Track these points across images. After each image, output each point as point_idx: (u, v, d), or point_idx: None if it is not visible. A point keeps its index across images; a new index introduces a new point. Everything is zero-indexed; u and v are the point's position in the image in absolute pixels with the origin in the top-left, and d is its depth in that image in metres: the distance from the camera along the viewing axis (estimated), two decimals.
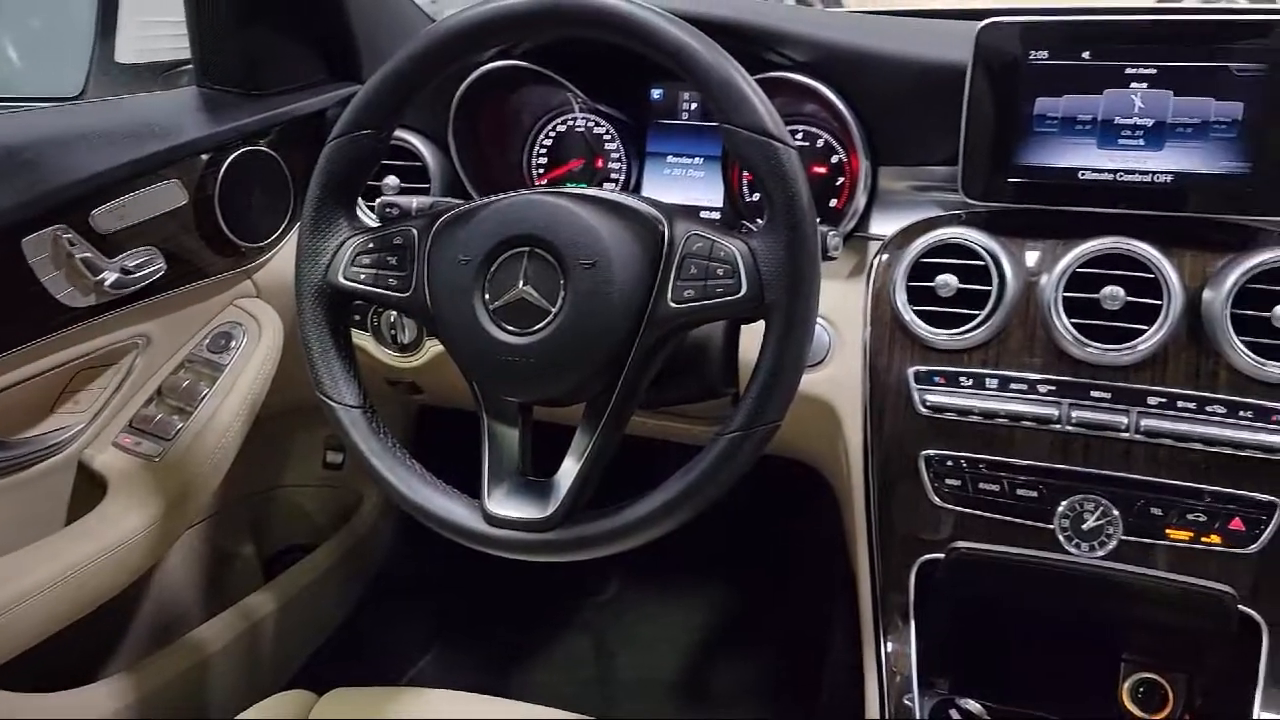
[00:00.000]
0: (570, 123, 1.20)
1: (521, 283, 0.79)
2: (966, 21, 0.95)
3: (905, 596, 0.98)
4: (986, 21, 0.91)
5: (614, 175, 1.18)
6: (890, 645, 0.98)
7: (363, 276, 0.85)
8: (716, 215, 1.14)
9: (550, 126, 1.21)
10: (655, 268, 0.78)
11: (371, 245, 0.85)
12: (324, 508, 1.67)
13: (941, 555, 0.96)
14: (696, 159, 1.15)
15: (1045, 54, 0.91)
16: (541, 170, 1.22)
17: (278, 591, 1.48)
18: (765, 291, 0.75)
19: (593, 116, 1.18)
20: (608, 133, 1.18)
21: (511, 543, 0.80)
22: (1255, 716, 0.87)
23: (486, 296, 0.80)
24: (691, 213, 0.92)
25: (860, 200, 1.02)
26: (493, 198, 0.83)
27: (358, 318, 1.24)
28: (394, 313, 1.21)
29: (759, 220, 0.75)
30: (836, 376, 1.02)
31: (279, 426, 1.48)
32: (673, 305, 0.77)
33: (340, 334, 0.87)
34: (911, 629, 0.98)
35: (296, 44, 1.27)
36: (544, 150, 1.21)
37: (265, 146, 1.21)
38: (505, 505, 0.81)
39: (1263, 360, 0.87)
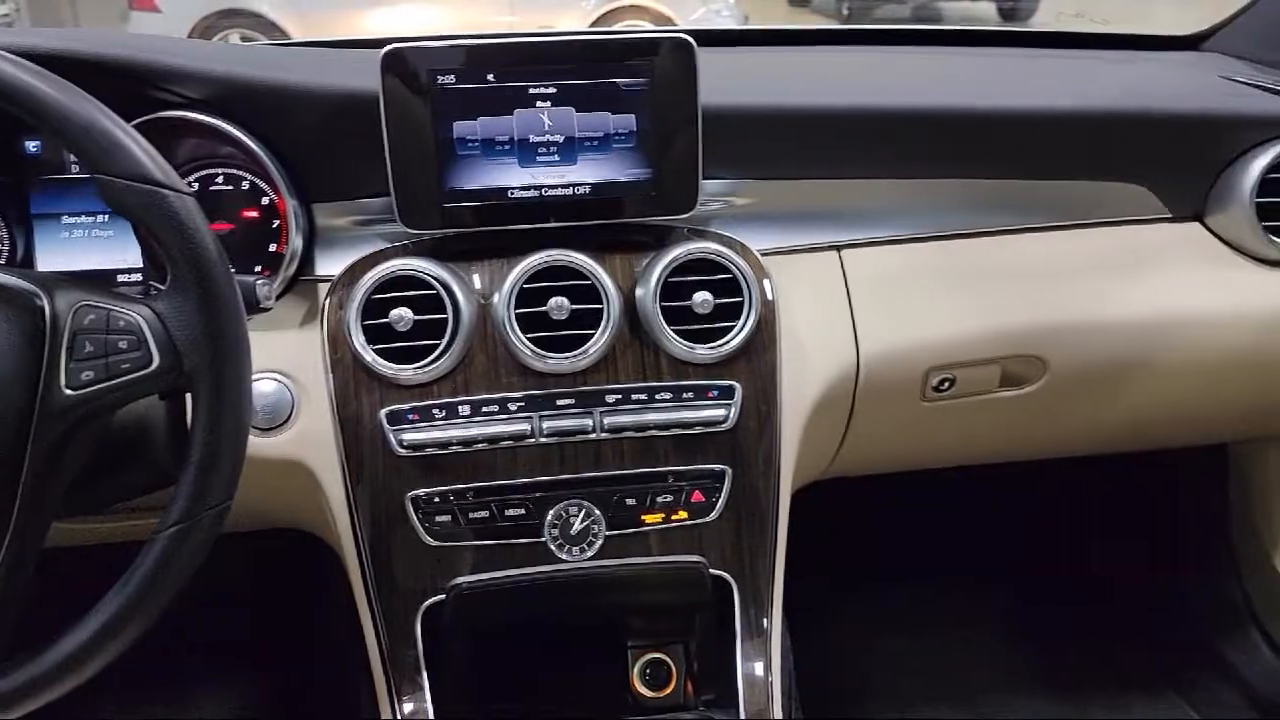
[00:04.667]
0: None
1: None
2: (377, 50, 0.93)
3: (414, 649, 0.94)
4: (388, 48, 0.90)
5: None
6: (407, 706, 0.94)
7: None
8: (139, 278, 0.99)
9: None
10: (39, 352, 0.65)
11: None
12: None
13: (444, 596, 0.94)
14: (100, 216, 0.99)
15: (452, 78, 0.91)
16: None
17: None
18: (183, 360, 0.66)
19: None
20: None
21: None
22: (737, 666, 0.96)
23: None
24: (92, 280, 0.79)
25: (297, 242, 0.95)
26: None
27: None
28: None
29: None
30: (306, 433, 0.94)
31: None
32: (69, 393, 0.65)
33: None
34: (425, 682, 0.94)
35: None
36: None
37: None
38: None
39: (692, 344, 0.95)
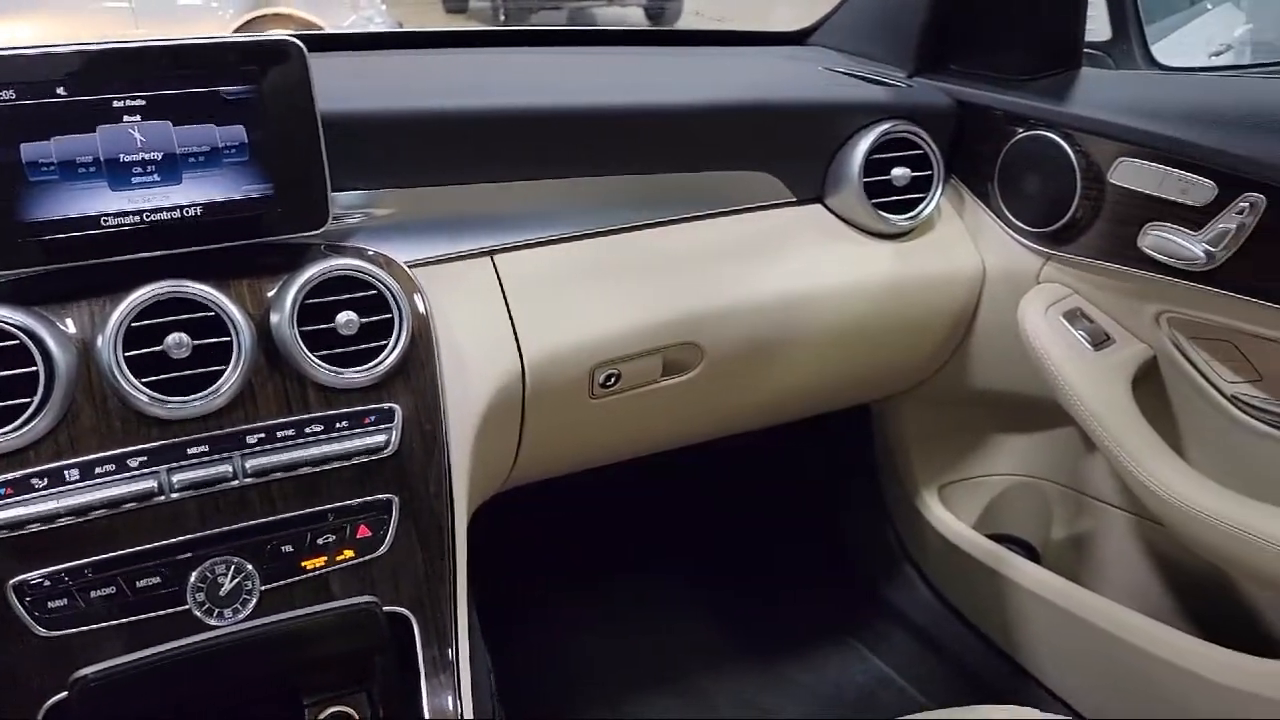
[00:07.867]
0: None
1: None
2: None
3: None
4: None
5: None
6: None
7: None
8: None
9: None
10: None
11: None
12: None
13: (67, 693, 0.80)
14: None
15: (12, 94, 0.78)
16: None
17: None
18: None
19: None
20: None
21: None
22: (423, 704, 0.91)
23: None
24: None
25: None
26: None
27: None
28: None
29: None
30: None
31: None
32: None
33: None
34: None
35: None
36: None
37: None
38: None
39: (339, 369, 0.88)
